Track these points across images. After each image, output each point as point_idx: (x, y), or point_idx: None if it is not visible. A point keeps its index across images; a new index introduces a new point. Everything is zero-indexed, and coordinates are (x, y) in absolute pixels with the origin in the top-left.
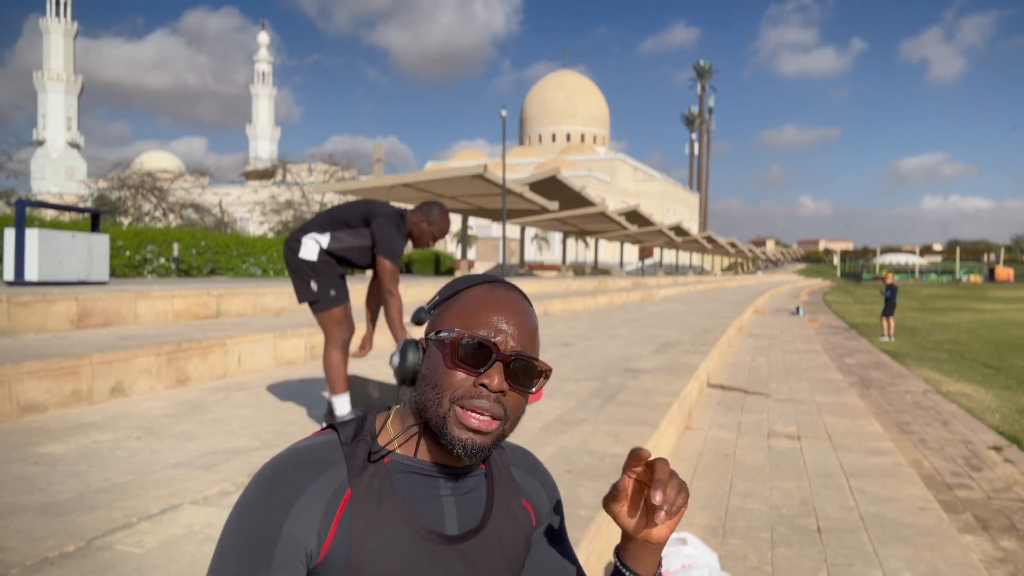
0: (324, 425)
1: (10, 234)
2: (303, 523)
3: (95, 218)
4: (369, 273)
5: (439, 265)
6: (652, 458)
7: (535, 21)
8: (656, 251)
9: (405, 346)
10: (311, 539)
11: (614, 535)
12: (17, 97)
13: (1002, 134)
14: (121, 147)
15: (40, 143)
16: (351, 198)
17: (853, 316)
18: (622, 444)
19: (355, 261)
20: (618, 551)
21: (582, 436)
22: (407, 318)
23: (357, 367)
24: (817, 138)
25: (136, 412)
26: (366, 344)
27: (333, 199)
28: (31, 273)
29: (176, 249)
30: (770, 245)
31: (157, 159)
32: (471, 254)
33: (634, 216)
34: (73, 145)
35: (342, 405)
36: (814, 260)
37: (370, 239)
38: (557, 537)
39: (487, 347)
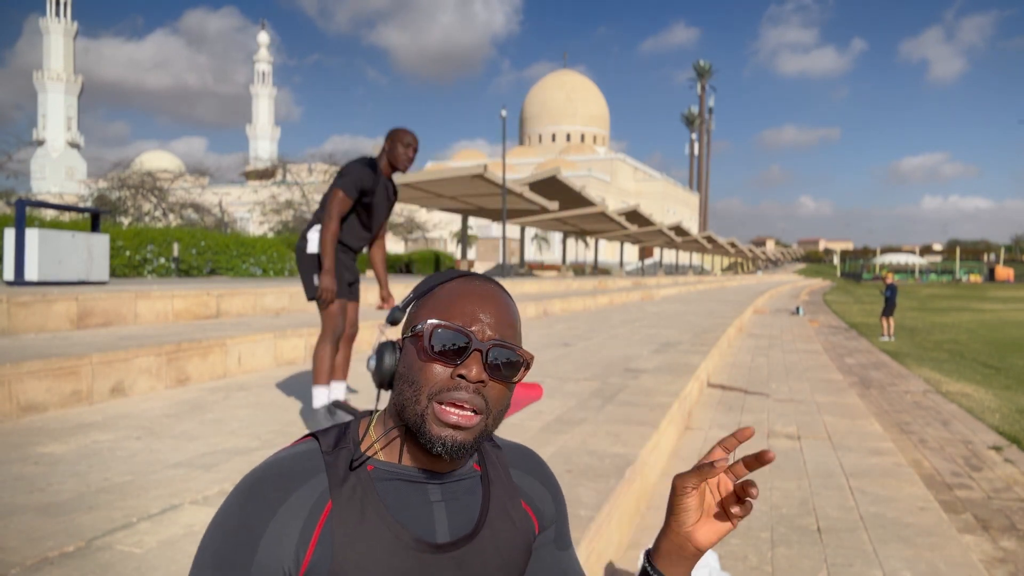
0: (306, 433)
1: (10, 234)
2: (281, 539)
3: (95, 218)
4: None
5: (439, 265)
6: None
7: (535, 21)
8: (656, 251)
9: (381, 348)
10: (288, 556)
11: (614, 535)
12: (17, 97)
13: (1002, 134)
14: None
15: (40, 143)
16: None
17: (853, 316)
18: (622, 444)
19: (351, 244)
20: (649, 555)
21: (582, 436)
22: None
23: (358, 366)
24: (817, 138)
25: (136, 412)
26: (387, 298)
27: None
28: (31, 273)
29: (176, 249)
30: (770, 245)
31: (157, 159)
32: (471, 254)
33: (634, 216)
34: (73, 145)
35: (319, 397)
36: (814, 260)
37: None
38: (561, 545)
39: (463, 336)
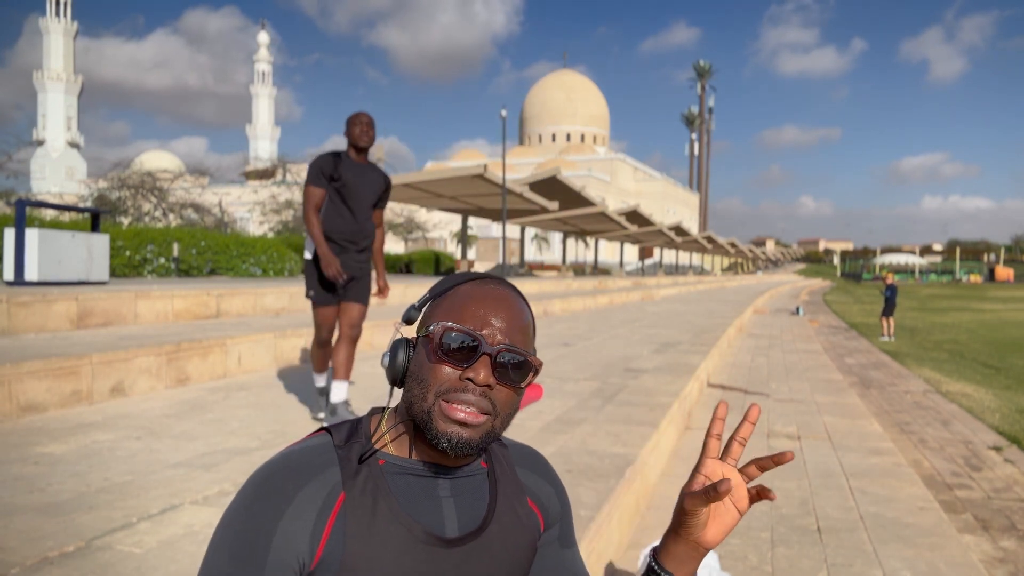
0: (320, 427)
1: (10, 234)
2: (295, 530)
3: (95, 218)
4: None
5: (439, 265)
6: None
7: (535, 21)
8: (656, 251)
9: (395, 345)
10: (303, 546)
11: (614, 535)
12: (17, 97)
13: (1002, 134)
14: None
15: (40, 143)
16: None
17: (853, 316)
18: (622, 444)
19: (338, 237)
20: (655, 553)
21: (582, 436)
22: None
23: (361, 365)
24: (817, 138)
25: (136, 412)
26: (383, 288)
27: None
28: (31, 273)
29: (176, 249)
30: (770, 245)
31: (157, 159)
32: (471, 254)
33: (634, 216)
34: (73, 145)
35: (318, 380)
36: (814, 260)
37: None
38: (565, 543)
39: (472, 339)
